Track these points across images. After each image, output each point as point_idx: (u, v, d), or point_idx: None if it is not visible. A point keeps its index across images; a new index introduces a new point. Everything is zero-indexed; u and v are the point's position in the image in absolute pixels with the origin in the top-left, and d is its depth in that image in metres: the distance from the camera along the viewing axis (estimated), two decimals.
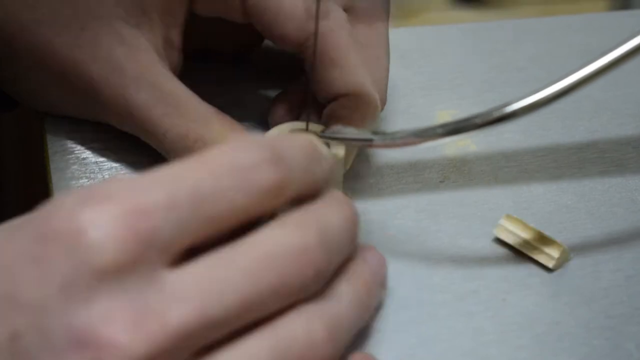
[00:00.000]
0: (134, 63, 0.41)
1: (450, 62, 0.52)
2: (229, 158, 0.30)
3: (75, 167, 0.43)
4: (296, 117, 0.43)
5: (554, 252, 0.40)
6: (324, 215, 0.32)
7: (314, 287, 0.31)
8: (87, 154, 0.44)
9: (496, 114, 0.36)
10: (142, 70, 0.41)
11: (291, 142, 0.32)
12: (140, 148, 0.44)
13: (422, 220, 0.42)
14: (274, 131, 0.41)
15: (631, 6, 0.95)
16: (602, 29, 0.55)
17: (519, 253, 0.41)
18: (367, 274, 0.34)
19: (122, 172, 0.43)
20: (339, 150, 0.40)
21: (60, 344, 0.27)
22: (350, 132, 0.40)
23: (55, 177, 0.43)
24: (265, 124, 0.44)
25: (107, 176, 0.43)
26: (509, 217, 0.41)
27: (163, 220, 0.28)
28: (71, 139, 0.45)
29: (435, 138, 0.37)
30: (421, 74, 0.50)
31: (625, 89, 0.51)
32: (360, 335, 0.36)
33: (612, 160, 0.46)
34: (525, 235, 0.41)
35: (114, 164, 0.44)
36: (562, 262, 0.40)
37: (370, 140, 0.39)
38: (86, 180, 0.43)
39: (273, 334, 0.30)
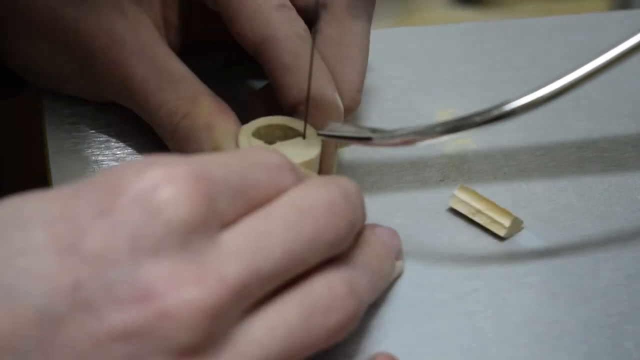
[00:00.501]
0: (134, 37, 0.42)
1: (450, 61, 0.52)
2: (260, 157, 0.33)
3: (75, 166, 0.43)
4: (271, 112, 0.42)
5: (505, 221, 0.41)
6: (338, 180, 0.34)
7: (344, 242, 0.33)
8: (87, 153, 0.44)
9: (495, 113, 0.36)
10: (142, 45, 0.42)
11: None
12: (141, 147, 0.44)
13: (421, 219, 0.42)
14: (250, 125, 0.40)
15: (631, 6, 0.95)
16: (602, 29, 0.55)
17: (472, 223, 0.42)
18: (378, 244, 0.36)
19: None
20: (316, 145, 0.40)
21: (123, 296, 0.28)
22: (349, 130, 0.40)
23: (55, 177, 0.43)
24: None
25: None
26: (462, 187, 0.42)
27: (222, 189, 0.30)
28: (71, 138, 0.45)
29: (434, 136, 0.37)
30: (421, 73, 0.50)
31: (624, 88, 0.51)
32: (360, 334, 0.36)
33: (611, 159, 0.46)
34: (478, 205, 0.41)
35: (115, 163, 0.44)
36: (513, 231, 0.41)
37: (370, 138, 0.39)
38: (86, 179, 0.43)
39: (300, 291, 0.32)
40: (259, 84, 0.48)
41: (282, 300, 0.31)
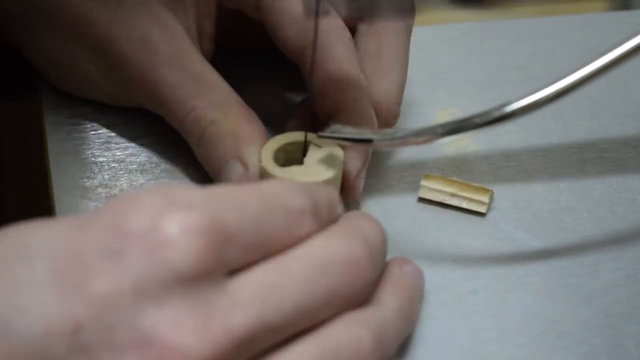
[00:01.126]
0: (167, 44, 0.42)
1: (450, 62, 0.52)
2: (282, 198, 0.32)
3: (75, 167, 0.43)
4: (310, 129, 0.42)
5: (484, 198, 0.42)
6: (363, 227, 0.33)
7: (362, 297, 0.32)
8: (87, 154, 0.44)
9: (496, 114, 0.36)
10: (175, 52, 0.42)
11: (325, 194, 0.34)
12: (142, 148, 0.44)
13: (422, 220, 0.42)
14: (270, 143, 0.40)
15: (631, 6, 0.95)
16: (602, 29, 0.55)
17: (446, 207, 0.42)
18: (408, 285, 0.35)
19: (122, 172, 0.43)
20: (339, 151, 0.40)
21: (123, 342, 0.27)
22: (349, 132, 0.40)
23: (55, 177, 0.43)
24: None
25: (107, 176, 0.43)
26: (428, 175, 0.42)
27: (236, 239, 0.30)
28: (71, 138, 0.45)
29: (434, 138, 0.37)
30: (421, 74, 0.50)
31: (625, 89, 0.51)
32: None
33: (611, 160, 0.46)
34: (450, 189, 0.42)
35: (114, 165, 0.44)
36: (490, 204, 0.42)
37: (370, 140, 0.39)
38: (86, 180, 0.43)
39: (321, 340, 0.31)
40: (291, 95, 0.48)
41: (300, 349, 0.30)
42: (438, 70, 0.52)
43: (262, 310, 0.29)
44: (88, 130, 0.45)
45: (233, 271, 0.30)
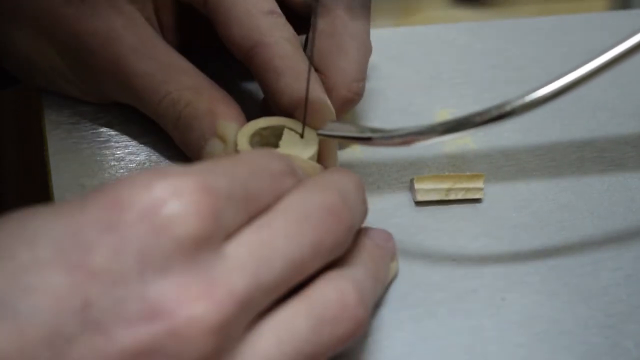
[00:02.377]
0: (132, 34, 0.42)
1: (450, 61, 0.52)
2: (263, 162, 0.33)
3: (75, 167, 0.43)
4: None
5: (478, 183, 0.42)
6: (338, 179, 0.34)
7: (345, 244, 0.33)
8: (88, 154, 0.44)
9: (495, 113, 0.36)
10: (141, 41, 0.42)
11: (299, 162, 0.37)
12: (141, 147, 0.44)
13: (421, 219, 0.42)
14: (251, 124, 0.40)
15: (631, 6, 0.95)
16: (602, 29, 0.55)
17: (444, 204, 0.43)
18: (372, 247, 0.36)
19: (121, 171, 0.43)
20: (313, 134, 0.40)
21: (133, 314, 0.28)
22: (349, 129, 0.40)
23: (55, 177, 0.43)
24: None
25: (106, 175, 0.43)
26: (419, 178, 0.42)
27: (227, 202, 0.30)
28: (71, 137, 0.45)
29: (434, 136, 0.37)
30: (421, 73, 0.50)
31: (624, 88, 0.51)
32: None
33: (611, 159, 0.46)
34: (445, 184, 0.42)
35: (114, 163, 0.44)
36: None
37: (369, 138, 0.39)
38: (86, 179, 0.43)
39: (308, 299, 0.31)
40: (253, 86, 0.48)
41: (289, 309, 0.31)
42: (438, 70, 0.52)
43: (256, 271, 0.30)
44: (88, 129, 0.45)
45: (227, 235, 0.30)
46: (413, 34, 0.54)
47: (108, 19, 0.42)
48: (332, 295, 0.32)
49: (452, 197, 0.42)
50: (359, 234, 0.36)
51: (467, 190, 0.42)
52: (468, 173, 0.43)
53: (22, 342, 0.27)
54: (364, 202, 0.35)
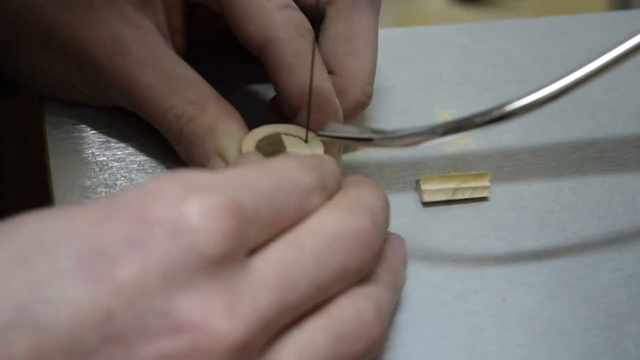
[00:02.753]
0: (139, 44, 0.42)
1: (450, 61, 0.52)
2: (292, 177, 0.33)
3: (75, 167, 0.43)
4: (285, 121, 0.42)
5: (485, 182, 0.42)
6: (366, 197, 0.34)
7: (368, 270, 0.33)
8: (87, 154, 0.44)
9: (496, 113, 0.36)
10: (148, 51, 0.42)
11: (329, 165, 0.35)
12: (141, 147, 0.44)
13: (422, 220, 0.42)
14: (253, 133, 0.40)
15: (631, 6, 0.95)
16: (602, 29, 0.55)
17: (446, 205, 0.43)
18: (392, 256, 0.36)
19: (122, 171, 0.43)
20: (318, 150, 0.40)
21: (156, 328, 0.28)
22: (350, 130, 0.40)
23: (55, 177, 0.43)
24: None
25: (107, 176, 0.43)
26: (426, 178, 0.42)
27: (253, 219, 0.30)
28: (71, 138, 0.45)
29: (435, 137, 0.37)
30: (421, 74, 0.50)
31: (624, 88, 0.51)
32: None
33: (611, 159, 0.46)
34: (451, 184, 0.42)
35: (115, 164, 0.44)
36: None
37: (370, 139, 0.39)
38: (86, 180, 0.43)
39: (327, 317, 0.31)
40: (265, 87, 0.48)
41: (309, 326, 0.31)
42: (438, 70, 0.51)
43: (281, 290, 0.30)
44: (88, 129, 0.45)
45: (252, 251, 0.30)
46: (413, 34, 0.54)
47: (115, 27, 0.42)
48: (351, 313, 0.32)
49: (459, 196, 0.42)
50: None
51: (474, 189, 0.42)
52: (474, 172, 0.43)
53: (40, 353, 0.26)
54: (388, 219, 0.35)
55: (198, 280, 0.28)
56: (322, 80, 0.41)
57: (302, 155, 0.37)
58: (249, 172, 0.32)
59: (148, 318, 0.27)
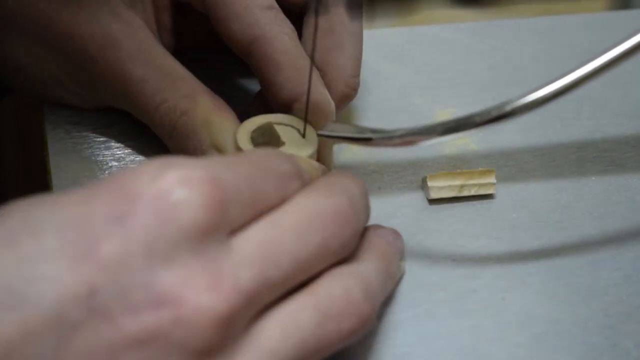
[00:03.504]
0: (130, 39, 0.42)
1: (450, 61, 0.52)
2: (270, 163, 0.33)
3: (75, 167, 0.43)
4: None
5: (491, 178, 0.43)
6: (345, 181, 0.34)
7: (349, 248, 0.33)
8: (87, 154, 0.44)
9: (495, 113, 0.36)
10: (138, 46, 0.42)
11: (306, 162, 0.37)
12: (141, 147, 0.44)
13: (421, 219, 0.42)
14: (248, 122, 0.40)
15: (631, 6, 0.95)
16: (602, 29, 0.55)
17: (446, 204, 0.43)
18: (384, 245, 0.36)
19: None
20: (312, 142, 0.40)
21: (139, 302, 0.28)
22: (348, 130, 0.40)
23: (55, 177, 0.43)
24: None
25: (106, 175, 0.43)
26: (432, 175, 0.43)
27: (234, 196, 0.30)
28: (71, 138, 0.45)
29: (434, 136, 0.37)
30: (421, 73, 0.50)
31: (624, 88, 0.51)
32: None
33: (611, 159, 0.46)
34: (458, 181, 0.42)
35: (115, 164, 0.44)
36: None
37: (370, 138, 0.39)
38: (86, 179, 0.43)
39: (314, 294, 0.32)
40: (253, 85, 0.48)
41: (294, 303, 0.31)
42: (438, 70, 0.52)
43: (263, 267, 0.30)
44: (88, 129, 0.45)
45: (233, 231, 0.31)
46: (413, 34, 0.54)
47: (106, 23, 0.42)
48: (338, 290, 0.32)
49: (465, 193, 0.43)
50: (368, 231, 0.37)
51: (480, 186, 0.43)
52: (480, 169, 0.43)
53: (27, 329, 0.27)
54: (367, 208, 0.35)
55: (181, 254, 0.29)
56: (315, 85, 0.41)
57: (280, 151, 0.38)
58: (229, 157, 0.33)
59: (131, 292, 0.28)
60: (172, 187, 0.29)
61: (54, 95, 0.45)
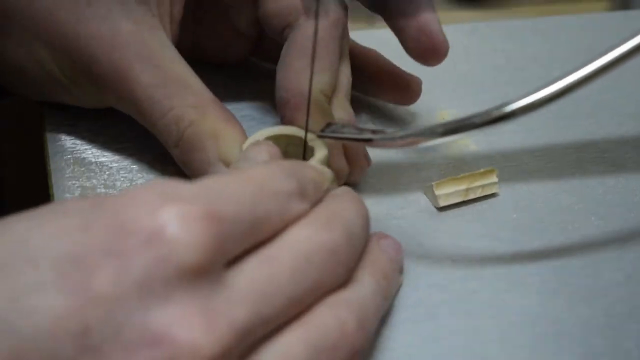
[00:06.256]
0: (139, 42, 0.41)
1: (450, 62, 0.52)
2: (271, 184, 0.32)
3: (75, 167, 0.43)
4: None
5: (493, 178, 0.43)
6: (344, 212, 0.34)
7: (341, 281, 0.33)
8: (87, 155, 0.44)
9: (495, 114, 0.36)
10: (148, 50, 0.41)
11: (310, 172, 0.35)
12: (140, 147, 0.44)
13: (421, 220, 0.42)
14: (256, 135, 0.40)
15: (631, 6, 0.95)
16: (602, 29, 0.55)
17: (463, 203, 0.43)
18: (386, 262, 0.36)
19: (121, 172, 0.43)
20: (323, 151, 0.40)
21: (133, 341, 0.27)
22: (349, 131, 0.40)
23: (55, 177, 0.43)
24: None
25: (106, 177, 0.43)
26: (438, 183, 0.43)
27: (232, 229, 0.30)
28: (71, 139, 0.45)
29: (435, 137, 0.37)
30: (421, 74, 0.50)
31: (624, 89, 0.51)
32: None
33: (611, 160, 0.46)
34: (463, 185, 0.42)
35: (114, 165, 0.44)
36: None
37: (370, 139, 0.39)
38: (86, 180, 0.43)
39: (306, 327, 0.31)
40: (264, 97, 0.48)
41: (287, 337, 0.31)
42: (438, 71, 0.51)
43: (257, 304, 0.30)
44: (88, 130, 0.45)
45: (229, 262, 0.30)
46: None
47: (115, 23, 0.41)
48: (331, 321, 0.32)
49: (471, 196, 0.43)
50: (371, 242, 0.36)
51: (484, 187, 0.43)
52: (481, 170, 0.43)
53: (20, 359, 0.27)
54: (366, 233, 0.35)
55: (175, 292, 0.28)
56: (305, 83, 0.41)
57: (284, 161, 0.37)
58: (227, 181, 0.32)
59: (125, 330, 0.28)
60: (170, 223, 0.28)
61: (51, 96, 0.45)
